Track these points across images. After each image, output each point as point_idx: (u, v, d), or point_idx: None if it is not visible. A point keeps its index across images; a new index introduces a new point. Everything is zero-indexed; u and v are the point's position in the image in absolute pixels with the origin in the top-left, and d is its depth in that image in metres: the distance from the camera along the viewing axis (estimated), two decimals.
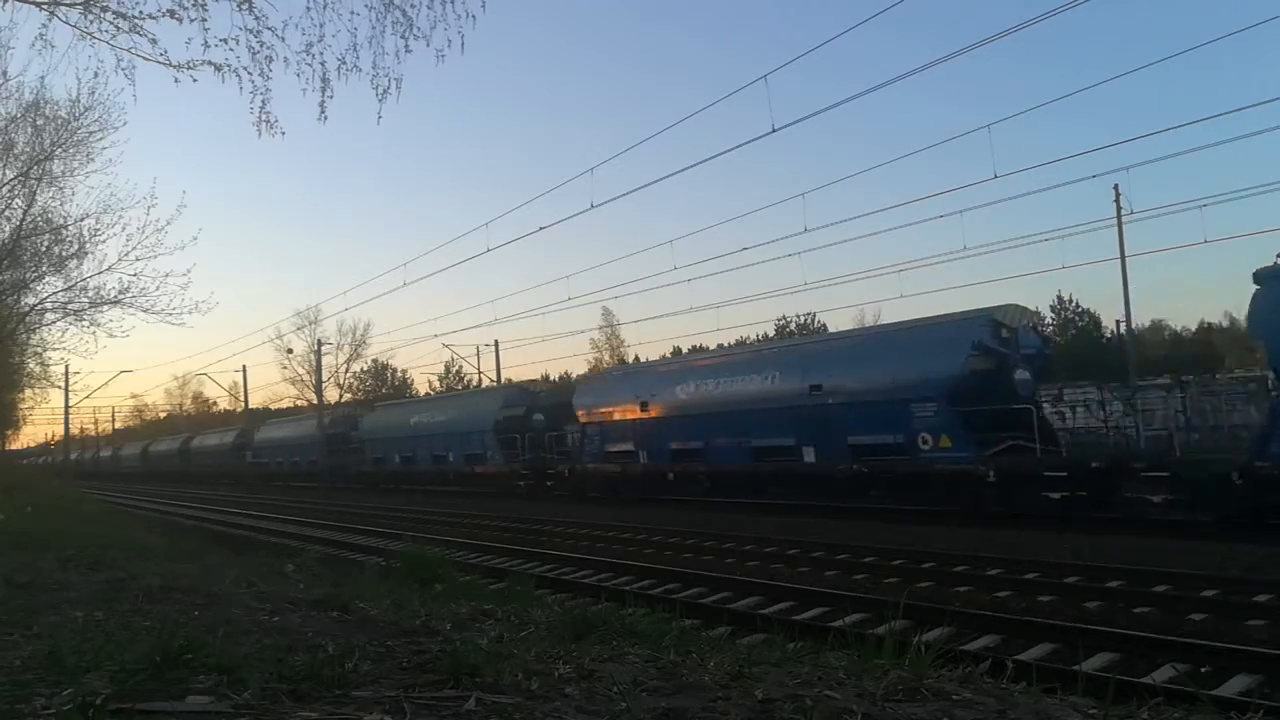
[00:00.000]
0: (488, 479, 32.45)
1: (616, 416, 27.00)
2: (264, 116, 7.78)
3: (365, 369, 77.13)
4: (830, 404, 20.36)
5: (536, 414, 32.04)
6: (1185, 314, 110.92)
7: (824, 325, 55.54)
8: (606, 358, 67.15)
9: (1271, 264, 15.11)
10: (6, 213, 21.88)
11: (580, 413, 28.58)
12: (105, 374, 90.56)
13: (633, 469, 26.01)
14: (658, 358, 51.19)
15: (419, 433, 37.49)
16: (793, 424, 21.23)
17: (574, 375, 57.04)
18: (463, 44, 7.28)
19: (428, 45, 7.20)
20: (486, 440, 32.89)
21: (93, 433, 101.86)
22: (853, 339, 22.18)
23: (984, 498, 17.39)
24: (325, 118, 7.67)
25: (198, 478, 60.09)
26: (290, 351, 67.01)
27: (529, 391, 34.46)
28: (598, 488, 27.06)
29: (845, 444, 19.92)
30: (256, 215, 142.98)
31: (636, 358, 60.42)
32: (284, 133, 8.03)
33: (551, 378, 56.59)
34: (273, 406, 72.53)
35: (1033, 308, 21.05)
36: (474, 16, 7.18)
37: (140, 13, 7.96)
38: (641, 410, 25.88)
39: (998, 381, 18.24)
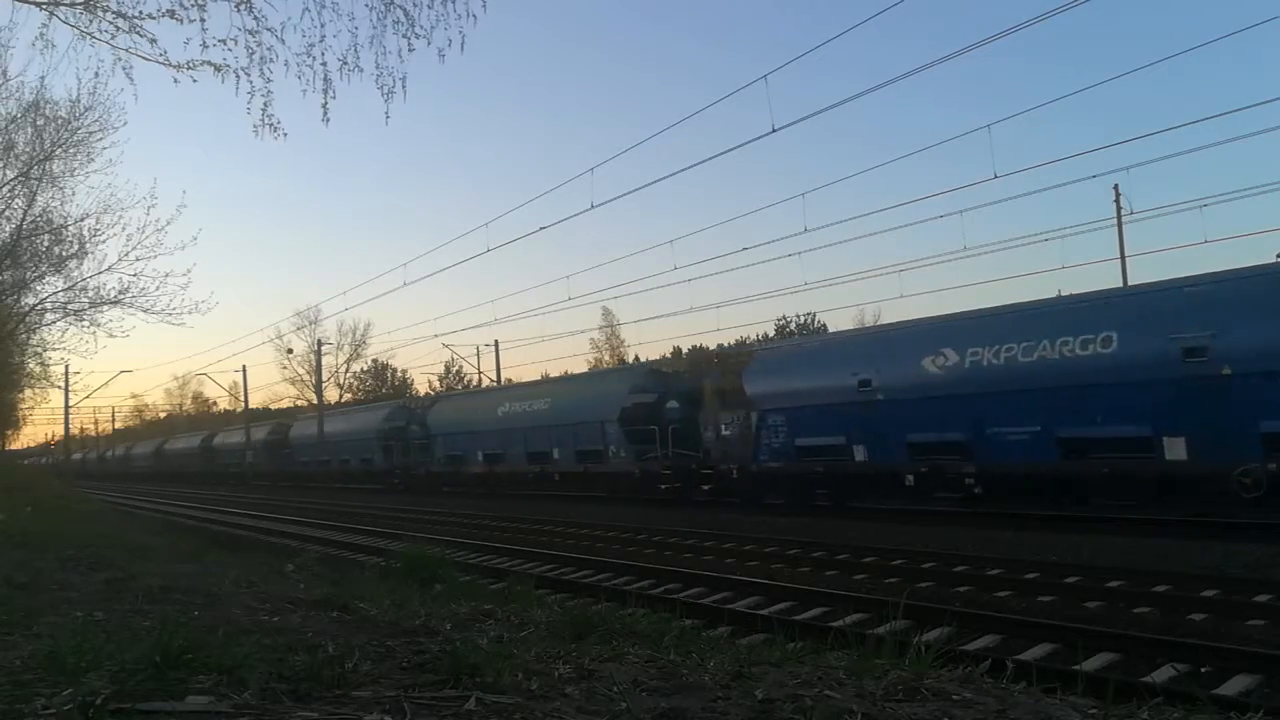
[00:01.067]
0: (609, 481, 26.80)
1: (814, 400, 20.16)
2: (265, 118, 7.79)
3: (365, 369, 77.27)
4: (1224, 375, 14.07)
5: (671, 401, 25.99)
6: None
7: (824, 325, 55.62)
8: (606, 358, 67.19)
9: None
10: (6, 213, 21.94)
11: (754, 394, 22.08)
12: (105, 374, 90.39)
13: (843, 469, 19.77)
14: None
15: (510, 425, 31.15)
16: (1144, 405, 14.91)
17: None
18: (463, 43, 7.29)
19: (429, 44, 7.20)
20: (609, 433, 26.68)
21: (93, 432, 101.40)
22: (1266, 275, 14.85)
23: None
24: (328, 120, 7.68)
25: (222, 479, 53.97)
26: (290, 351, 67.09)
27: (662, 374, 28.48)
28: (784, 492, 21.15)
29: (1252, 433, 13.88)
30: (257, 215, 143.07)
31: (636, 357, 60.44)
32: (286, 134, 8.04)
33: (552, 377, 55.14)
34: (273, 406, 72.55)
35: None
36: (475, 16, 7.18)
37: (140, 13, 7.97)
38: (860, 390, 19.11)
39: None
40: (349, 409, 54.97)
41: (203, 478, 58.18)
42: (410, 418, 39.80)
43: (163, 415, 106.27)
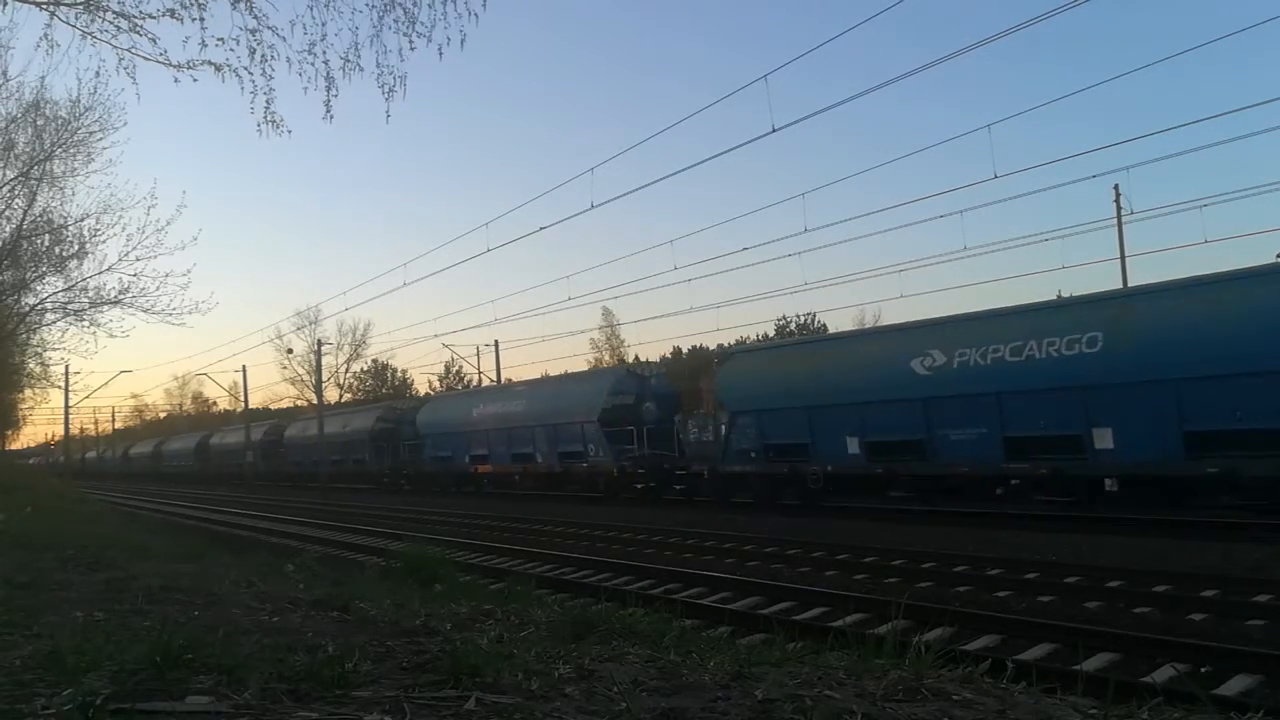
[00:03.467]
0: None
1: None
2: (268, 116, 7.80)
3: (365, 369, 77.23)
4: None
5: None
6: None
7: (824, 325, 55.50)
8: (606, 358, 67.15)
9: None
10: (7, 213, 21.96)
11: None
12: (105, 374, 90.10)
13: None
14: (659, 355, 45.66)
15: (949, 390, 17.29)
16: None
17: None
18: (463, 41, 7.28)
19: (429, 43, 7.20)
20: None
21: (94, 432, 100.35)
22: None
23: None
24: (331, 117, 7.67)
25: (298, 483, 43.02)
26: (290, 351, 66.91)
27: None
28: None
29: None
30: (257, 215, 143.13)
31: (636, 357, 60.29)
32: (290, 132, 8.05)
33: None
34: (273, 406, 72.42)
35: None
36: (475, 15, 7.18)
37: (140, 12, 7.98)
38: None
39: None
40: (517, 384, 37.75)
41: (270, 481, 47.01)
42: (644, 390, 27.28)
43: (162, 415, 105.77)
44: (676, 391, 27.34)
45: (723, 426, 22.21)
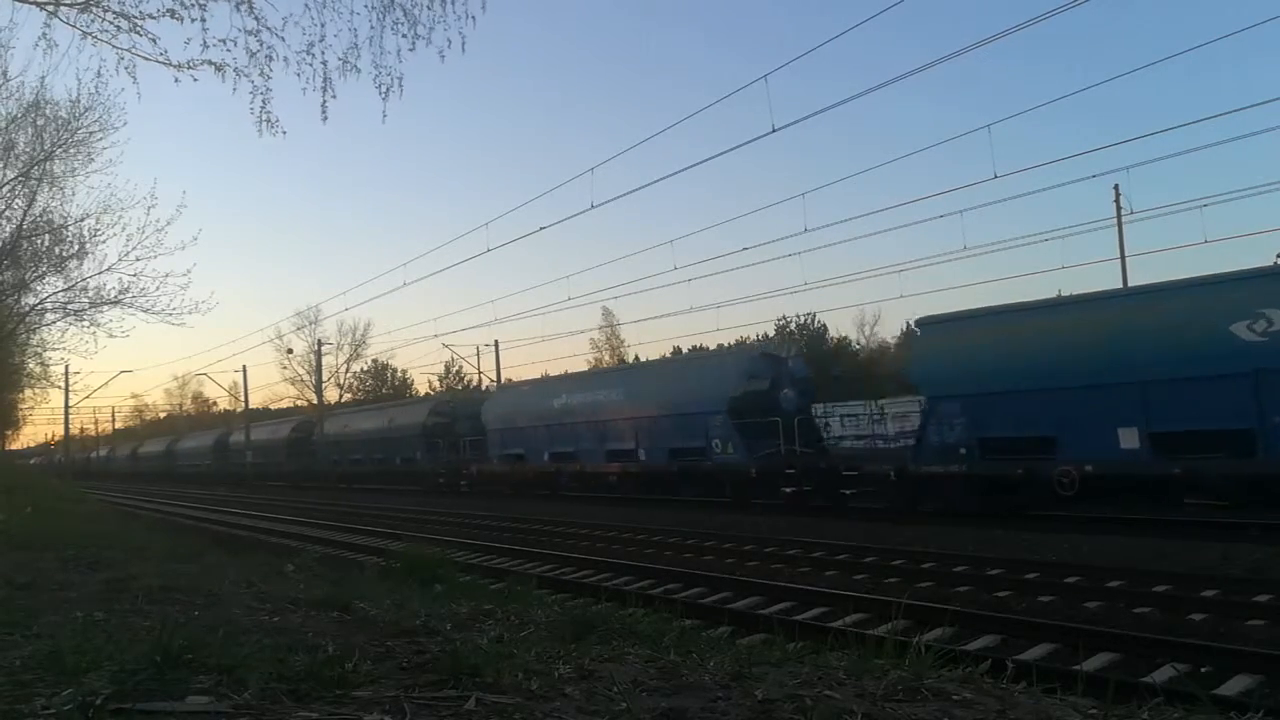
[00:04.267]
0: None
1: None
2: (265, 116, 7.81)
3: (365, 369, 77.25)
4: None
5: None
6: None
7: (824, 325, 55.40)
8: (606, 358, 67.17)
9: None
10: (7, 213, 21.93)
11: None
12: (105, 374, 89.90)
13: None
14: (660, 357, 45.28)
15: None
16: None
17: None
18: (463, 44, 7.31)
19: (429, 45, 7.21)
20: None
21: (93, 432, 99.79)
22: None
23: None
24: (327, 118, 7.69)
25: (332, 484, 38.73)
26: (290, 351, 66.90)
27: None
28: None
29: None
30: (257, 215, 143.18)
31: (636, 357, 60.25)
32: (285, 132, 8.05)
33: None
34: (273, 406, 72.34)
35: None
36: (474, 17, 7.19)
37: (140, 12, 7.98)
38: None
39: None
40: (613, 369, 32.47)
41: (301, 484, 42.32)
42: (780, 374, 22.61)
43: (162, 415, 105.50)
44: (812, 376, 24.17)
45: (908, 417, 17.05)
